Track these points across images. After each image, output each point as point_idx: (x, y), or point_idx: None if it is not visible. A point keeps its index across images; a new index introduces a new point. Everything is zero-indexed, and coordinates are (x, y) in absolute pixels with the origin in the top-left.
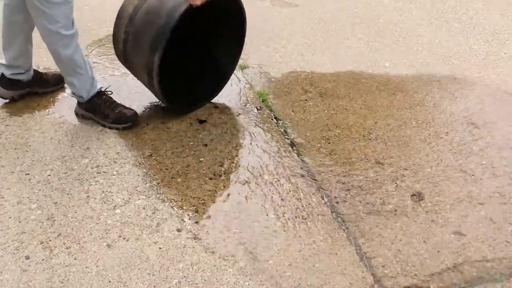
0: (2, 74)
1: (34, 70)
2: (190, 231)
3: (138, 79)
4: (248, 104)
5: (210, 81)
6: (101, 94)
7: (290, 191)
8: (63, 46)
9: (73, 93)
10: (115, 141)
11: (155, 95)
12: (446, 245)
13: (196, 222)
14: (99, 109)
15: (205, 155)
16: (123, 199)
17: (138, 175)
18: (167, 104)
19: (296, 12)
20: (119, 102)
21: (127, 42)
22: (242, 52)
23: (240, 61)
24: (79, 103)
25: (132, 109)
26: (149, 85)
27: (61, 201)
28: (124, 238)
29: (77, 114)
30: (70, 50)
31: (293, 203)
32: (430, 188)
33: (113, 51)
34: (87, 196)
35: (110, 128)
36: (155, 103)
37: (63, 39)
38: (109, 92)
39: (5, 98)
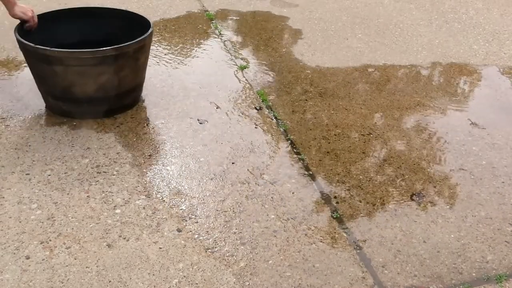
0: None
1: None
2: (190, 231)
3: None
4: (248, 104)
5: None
6: None
7: (290, 191)
8: None
9: None
10: (115, 141)
11: None
12: (446, 245)
13: (196, 222)
14: None
15: (205, 155)
16: (123, 199)
17: (138, 175)
18: None
19: (296, 12)
20: None
21: None
22: (242, 52)
23: (240, 61)
24: None
25: None
26: None
27: (61, 201)
28: (124, 238)
29: None
30: None
31: (293, 203)
32: (430, 188)
33: None
34: (87, 196)
35: None
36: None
37: None
38: None
39: None
